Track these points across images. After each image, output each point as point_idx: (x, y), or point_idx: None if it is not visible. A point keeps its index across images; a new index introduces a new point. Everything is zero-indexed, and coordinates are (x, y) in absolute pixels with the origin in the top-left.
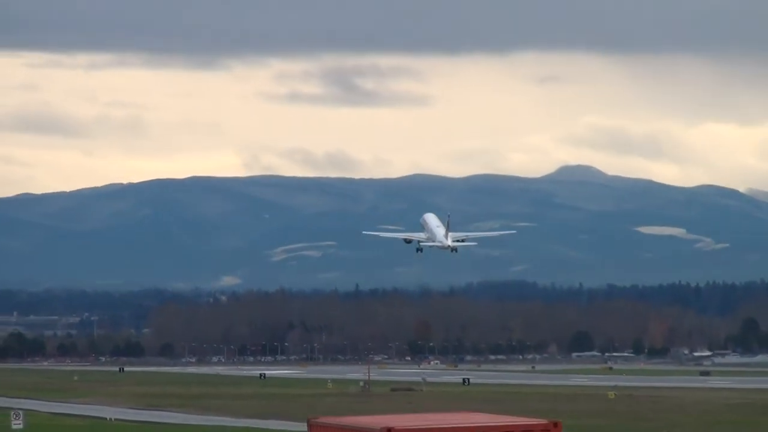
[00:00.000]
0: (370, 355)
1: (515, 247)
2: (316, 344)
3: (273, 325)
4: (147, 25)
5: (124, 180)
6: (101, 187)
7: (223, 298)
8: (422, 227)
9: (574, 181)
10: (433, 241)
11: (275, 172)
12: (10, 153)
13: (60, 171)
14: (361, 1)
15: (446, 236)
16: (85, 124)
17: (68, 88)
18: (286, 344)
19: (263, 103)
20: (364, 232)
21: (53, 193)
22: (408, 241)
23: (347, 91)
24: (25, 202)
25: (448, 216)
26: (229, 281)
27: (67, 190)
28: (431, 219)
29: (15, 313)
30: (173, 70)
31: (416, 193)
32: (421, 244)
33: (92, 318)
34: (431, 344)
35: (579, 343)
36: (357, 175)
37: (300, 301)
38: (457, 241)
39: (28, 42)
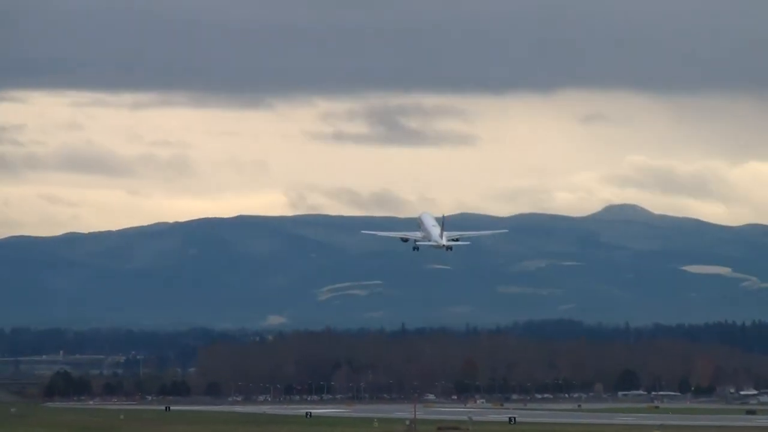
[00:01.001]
0: (416, 394)
1: (562, 287)
2: (362, 383)
3: (319, 364)
4: (192, 65)
5: (170, 219)
6: (147, 225)
7: (270, 337)
8: (418, 226)
9: (620, 220)
10: (429, 240)
11: (321, 211)
12: (56, 192)
13: (106, 210)
14: (405, 41)
15: (441, 236)
16: (129, 163)
17: (113, 127)
18: (332, 383)
19: (309, 142)
20: (362, 232)
21: (99, 232)
22: (405, 240)
23: (392, 130)
24: (72, 241)
25: (443, 216)
26: (275, 320)
27: (114, 229)
28: (427, 219)
29: (61, 352)
30: (218, 109)
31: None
32: (417, 243)
33: (138, 357)
34: (477, 383)
35: (625, 381)
36: (403, 214)
37: (346, 340)
38: (452, 240)
39: (73, 81)
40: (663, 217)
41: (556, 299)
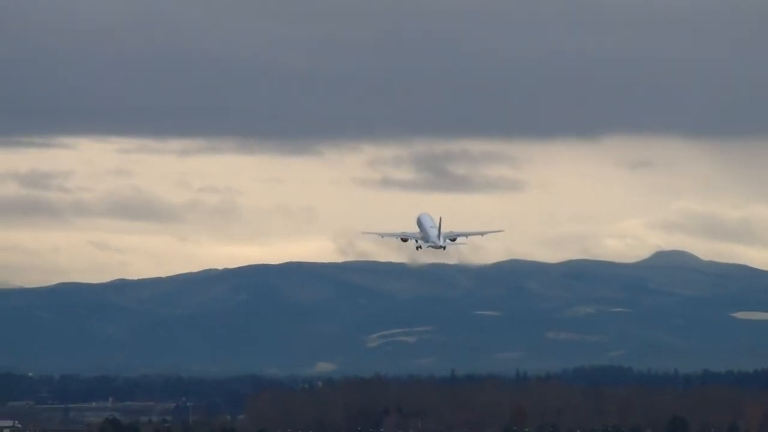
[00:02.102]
0: None
1: (611, 333)
2: (411, 430)
3: (369, 410)
4: (238, 111)
5: (219, 265)
6: (196, 272)
7: (319, 383)
8: (418, 227)
9: (668, 267)
10: (427, 241)
11: (370, 257)
12: (104, 239)
13: (154, 256)
14: (451, 87)
15: (438, 236)
16: (177, 209)
17: (160, 173)
18: (381, 430)
19: (356, 188)
20: (363, 233)
21: (148, 278)
22: (405, 240)
23: (439, 176)
24: (121, 287)
25: (440, 218)
26: (324, 367)
27: (163, 276)
28: (426, 220)
29: (111, 399)
30: (265, 155)
31: (511, 279)
32: (419, 242)
33: (188, 404)
34: (527, 430)
35: (675, 428)
36: (452, 261)
37: (396, 386)
38: (450, 239)
39: (121, 128)
40: (711, 263)
41: (605, 345)
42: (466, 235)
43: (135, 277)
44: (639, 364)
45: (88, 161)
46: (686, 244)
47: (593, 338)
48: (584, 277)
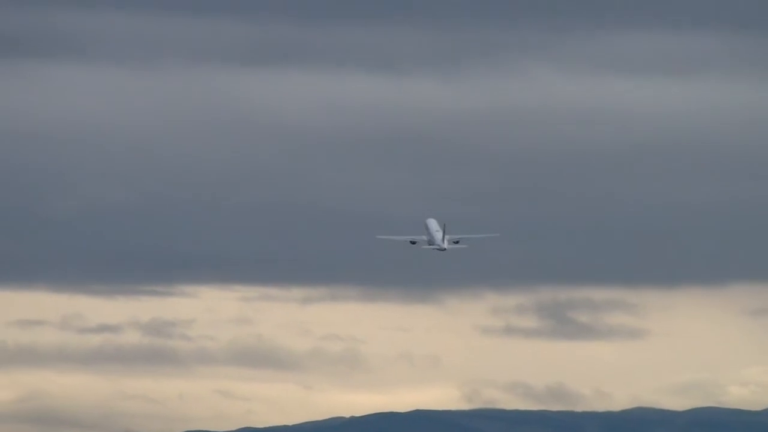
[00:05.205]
0: None
1: None
2: None
3: None
4: (360, 261)
5: (346, 413)
6: (323, 420)
7: None
8: (425, 231)
9: None
10: (432, 243)
11: (496, 405)
12: (228, 387)
13: (279, 404)
14: (572, 236)
15: (443, 239)
16: (300, 357)
17: (282, 321)
18: None
19: (480, 336)
20: (377, 237)
21: (274, 426)
22: (413, 243)
23: (562, 324)
24: None
25: (443, 224)
26: None
27: (289, 424)
28: (432, 224)
29: None
30: (387, 303)
31: (637, 426)
32: (428, 243)
33: None
34: None
35: None
36: (578, 408)
37: None
38: (453, 243)
39: (242, 276)
40: None
41: None
42: (467, 238)
43: (261, 425)
44: None
45: (209, 309)
46: None
47: None
48: (710, 424)
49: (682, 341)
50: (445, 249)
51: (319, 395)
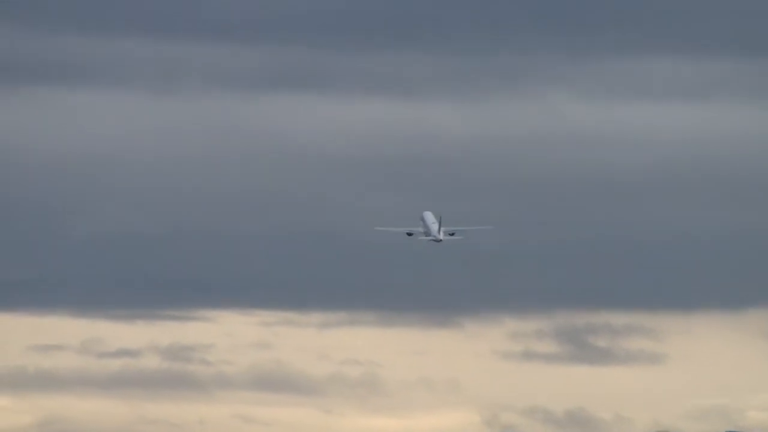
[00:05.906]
0: None
1: None
2: None
3: None
4: (380, 285)
5: None
6: None
7: None
8: (421, 223)
9: None
10: (429, 235)
11: (516, 430)
12: (248, 411)
13: (299, 428)
14: (591, 261)
15: (439, 231)
16: (319, 382)
17: (300, 346)
18: None
19: (499, 361)
20: (376, 228)
21: None
22: (410, 234)
23: (581, 349)
24: None
25: (440, 216)
26: None
27: None
28: (428, 217)
29: None
30: (406, 328)
31: None
32: (425, 234)
33: None
34: None
35: None
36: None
37: None
38: (448, 234)
39: (261, 301)
40: None
41: None
42: (462, 230)
43: None
44: None
45: (229, 334)
46: None
47: None
48: None
49: (701, 366)
50: (440, 240)
51: (338, 419)
